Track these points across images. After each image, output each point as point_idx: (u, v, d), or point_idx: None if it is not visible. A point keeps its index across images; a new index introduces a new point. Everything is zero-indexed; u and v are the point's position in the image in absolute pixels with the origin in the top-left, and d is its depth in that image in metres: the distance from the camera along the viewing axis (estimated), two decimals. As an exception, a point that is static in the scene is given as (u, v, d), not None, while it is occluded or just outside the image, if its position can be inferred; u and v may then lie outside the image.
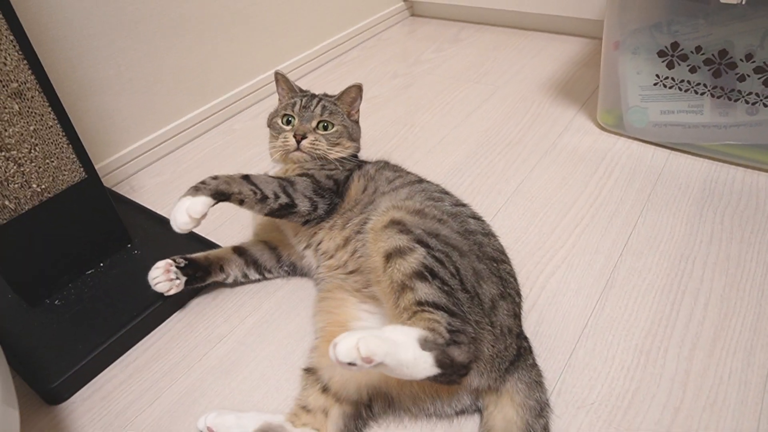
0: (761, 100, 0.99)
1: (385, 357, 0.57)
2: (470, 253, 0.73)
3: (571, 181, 1.10)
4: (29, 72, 0.82)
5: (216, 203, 0.81)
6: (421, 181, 0.92)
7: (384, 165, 0.98)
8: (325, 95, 1.03)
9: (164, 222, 1.08)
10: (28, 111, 0.84)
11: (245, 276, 0.96)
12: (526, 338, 0.75)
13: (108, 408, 0.80)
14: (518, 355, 0.71)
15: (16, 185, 0.85)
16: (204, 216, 0.80)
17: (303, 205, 0.86)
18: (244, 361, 0.84)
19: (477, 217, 0.84)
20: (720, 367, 0.74)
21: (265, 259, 0.97)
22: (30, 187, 0.87)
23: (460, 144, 1.26)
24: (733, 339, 0.77)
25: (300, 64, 1.64)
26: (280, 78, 1.04)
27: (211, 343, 0.87)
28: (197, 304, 0.94)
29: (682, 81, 1.06)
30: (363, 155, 1.19)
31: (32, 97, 0.84)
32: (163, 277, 0.88)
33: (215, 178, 0.83)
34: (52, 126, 0.87)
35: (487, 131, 1.29)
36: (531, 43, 1.67)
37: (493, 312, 0.69)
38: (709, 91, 1.04)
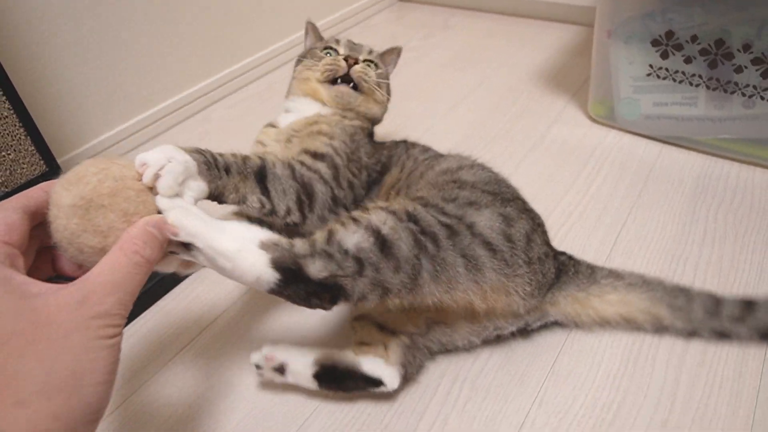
0: (758, 93, 0.95)
1: (196, 237, 0.50)
2: (494, 201, 0.70)
3: (559, 176, 1.05)
4: (-22, 59, 0.77)
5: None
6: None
7: (410, 145, 0.91)
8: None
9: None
10: (-21, 100, 0.79)
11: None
12: (561, 253, 0.78)
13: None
14: (559, 271, 0.74)
15: (-31, 179, 0.81)
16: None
17: (312, 223, 0.70)
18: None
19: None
20: (710, 376, 0.70)
21: None
22: (-16, 182, 0.82)
23: (446, 135, 1.21)
24: (725, 347, 0.73)
25: (284, 50, 1.58)
26: (310, 27, 0.99)
27: (192, 331, 0.83)
28: (178, 294, 0.90)
29: (677, 72, 1.02)
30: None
31: (-17, 85, 0.79)
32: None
33: (227, 170, 0.61)
34: (7, 116, 0.82)
35: (474, 122, 1.24)
36: (522, 30, 1.62)
37: (529, 247, 0.68)
38: (704, 82, 1.00)
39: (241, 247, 0.52)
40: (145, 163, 0.50)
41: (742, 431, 0.64)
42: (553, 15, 1.64)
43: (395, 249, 0.58)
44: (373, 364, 0.69)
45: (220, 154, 0.62)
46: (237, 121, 1.37)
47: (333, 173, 0.73)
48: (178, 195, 0.53)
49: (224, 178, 0.60)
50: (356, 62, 0.86)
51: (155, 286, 0.87)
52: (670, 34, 0.99)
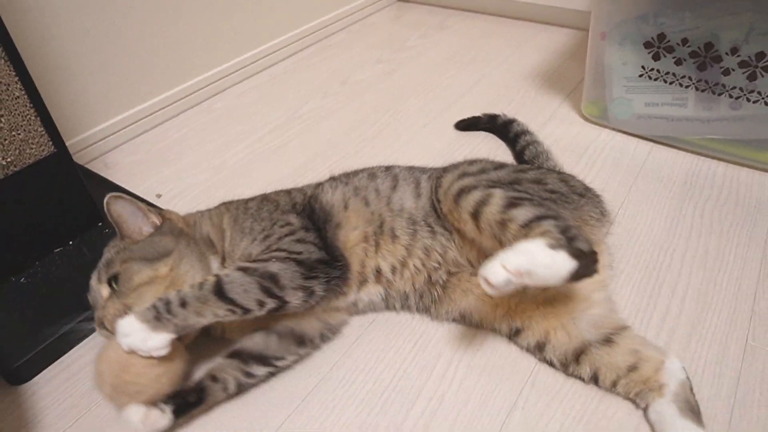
0: (745, 95, 0.99)
1: (529, 265, 0.62)
2: (516, 175, 0.82)
3: (553, 171, 1.09)
4: (-6, 39, 0.79)
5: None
6: (388, 167, 0.89)
7: (324, 182, 0.87)
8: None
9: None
10: (-7, 80, 0.80)
11: (249, 375, 0.73)
12: None
13: (73, 389, 0.78)
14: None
15: (-19, 156, 0.82)
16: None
17: (295, 299, 0.70)
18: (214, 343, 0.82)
19: None
20: (695, 360, 0.73)
21: (271, 348, 0.75)
22: (-5, 160, 0.84)
23: (443, 132, 1.24)
24: (709, 332, 0.77)
25: (284, 45, 1.61)
26: None
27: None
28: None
29: (668, 73, 1.05)
30: (342, 144, 1.18)
31: (-3, 65, 0.80)
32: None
33: (183, 303, 0.65)
34: (18, 96, 0.84)
35: (470, 119, 1.27)
36: (517, 32, 1.65)
37: (570, 186, 0.82)
38: (693, 84, 1.04)
39: (552, 256, 0.63)
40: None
41: (724, 410, 0.68)
42: (548, 18, 1.68)
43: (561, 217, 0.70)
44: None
45: (177, 293, 0.67)
46: (240, 111, 1.39)
47: (282, 251, 0.73)
48: None
49: (182, 312, 0.65)
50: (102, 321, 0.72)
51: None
52: (661, 36, 1.03)
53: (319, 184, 0.87)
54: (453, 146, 1.19)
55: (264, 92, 1.47)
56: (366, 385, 0.74)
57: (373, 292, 0.81)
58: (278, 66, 1.58)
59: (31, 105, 0.85)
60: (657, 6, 1.04)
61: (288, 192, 0.87)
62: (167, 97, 1.36)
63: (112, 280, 0.71)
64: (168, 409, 0.67)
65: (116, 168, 1.22)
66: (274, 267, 0.70)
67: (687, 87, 1.05)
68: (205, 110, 1.41)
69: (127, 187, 1.09)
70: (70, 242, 0.97)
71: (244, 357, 0.74)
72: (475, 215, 0.72)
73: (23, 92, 0.84)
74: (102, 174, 1.16)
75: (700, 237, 0.91)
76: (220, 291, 0.67)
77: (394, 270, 0.80)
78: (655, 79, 1.08)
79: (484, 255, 0.75)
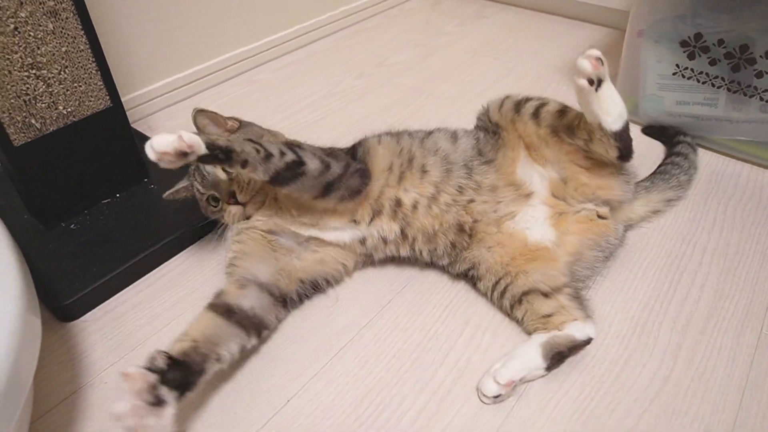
0: (776, 99, 1.02)
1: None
2: None
3: (582, 160, 1.12)
4: (67, -8, 0.83)
5: (208, 156, 0.68)
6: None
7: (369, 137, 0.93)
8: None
9: (181, 161, 1.10)
10: (61, 31, 0.84)
11: (243, 348, 0.73)
12: None
13: (119, 329, 0.82)
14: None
15: (44, 105, 0.87)
16: (188, 153, 0.66)
17: (312, 164, 0.75)
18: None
19: None
20: (711, 343, 0.77)
21: (265, 307, 0.76)
22: (56, 109, 0.88)
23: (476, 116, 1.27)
24: (725, 319, 0.80)
25: (323, 24, 1.64)
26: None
27: (221, 277, 0.89)
28: (209, 241, 0.96)
29: (701, 73, 1.08)
30: (377, 122, 1.20)
31: (67, 18, 0.84)
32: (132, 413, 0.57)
33: (215, 135, 0.79)
34: (83, 50, 0.88)
35: (503, 106, 1.31)
36: (553, 27, 1.68)
37: None
38: (726, 85, 1.06)
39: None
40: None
41: (735, 390, 0.71)
42: (584, 15, 1.71)
43: None
44: (576, 329, 0.74)
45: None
46: (278, 84, 1.43)
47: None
48: None
49: (213, 136, 0.74)
50: (233, 195, 0.82)
51: (188, 233, 0.94)
52: (698, 36, 1.06)
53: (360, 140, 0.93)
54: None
55: (302, 68, 1.50)
56: (397, 344, 0.79)
57: (386, 228, 0.83)
58: (317, 44, 1.62)
59: (94, 59, 0.90)
60: (695, 7, 1.06)
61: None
62: (211, 65, 1.40)
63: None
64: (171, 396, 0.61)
65: (158, 131, 1.26)
66: (298, 144, 0.80)
67: (719, 87, 1.08)
68: (245, 81, 1.45)
69: (170, 148, 1.14)
70: (117, 195, 1.02)
71: (245, 325, 0.73)
72: (536, 115, 0.84)
73: (87, 46, 0.88)
74: (146, 134, 1.21)
75: (722, 231, 0.95)
76: (248, 139, 0.75)
77: (416, 205, 0.82)
78: (688, 78, 1.10)
79: (535, 152, 0.86)
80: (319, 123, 1.28)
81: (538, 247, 0.81)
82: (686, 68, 1.10)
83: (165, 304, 0.86)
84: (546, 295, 0.77)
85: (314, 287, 0.84)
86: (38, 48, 0.83)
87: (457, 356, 0.77)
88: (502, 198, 0.83)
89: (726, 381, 0.72)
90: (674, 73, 1.12)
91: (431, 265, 0.89)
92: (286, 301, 0.80)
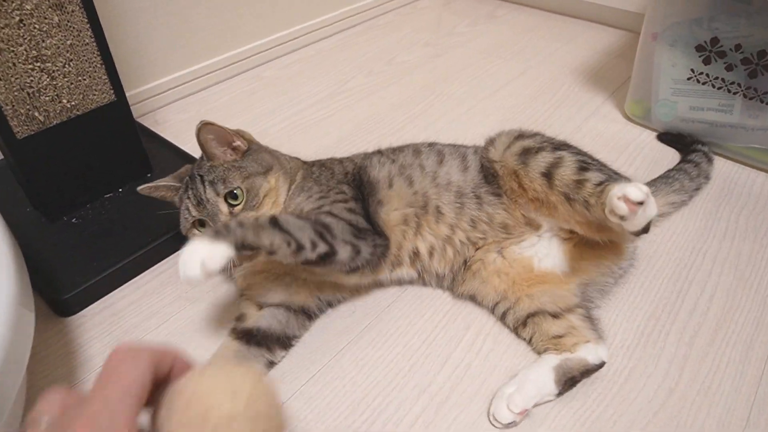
0: (793, 106, 0.99)
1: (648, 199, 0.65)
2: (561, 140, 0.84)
3: (591, 165, 1.10)
4: (73, -15, 0.83)
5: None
6: (431, 144, 0.91)
7: (372, 154, 0.89)
8: (199, 161, 0.82)
9: (186, 157, 1.09)
10: (67, 24, 0.84)
11: (271, 364, 0.76)
12: None
13: (117, 324, 0.82)
14: None
15: (47, 98, 0.86)
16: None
17: (344, 252, 0.71)
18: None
19: None
20: (718, 356, 0.75)
21: (285, 323, 0.77)
22: (60, 102, 0.88)
23: (486, 117, 1.26)
24: (735, 332, 0.78)
25: (333, 22, 1.63)
26: (149, 191, 0.83)
27: (221, 277, 0.89)
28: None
29: (717, 78, 1.06)
30: (385, 120, 1.19)
31: (72, 11, 0.84)
32: None
33: (241, 224, 0.65)
34: (88, 43, 0.88)
35: (513, 107, 1.29)
36: (567, 29, 1.66)
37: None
38: (742, 91, 1.04)
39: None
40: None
41: (743, 406, 0.69)
42: (598, 17, 1.68)
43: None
44: (589, 352, 0.72)
45: (234, 219, 0.72)
46: (286, 81, 1.42)
47: (329, 208, 0.76)
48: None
49: (240, 230, 0.64)
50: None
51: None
52: (715, 41, 1.03)
53: (367, 156, 0.89)
54: (495, 131, 1.20)
55: (310, 65, 1.49)
56: (396, 348, 0.77)
57: (405, 273, 0.83)
58: (326, 41, 1.61)
59: (99, 53, 0.89)
60: (712, 10, 1.04)
61: (340, 161, 0.89)
62: (219, 60, 1.40)
63: (228, 196, 0.76)
64: None
65: (165, 125, 1.26)
66: (326, 219, 0.73)
67: (735, 93, 1.05)
68: (254, 77, 1.44)
69: (176, 143, 1.13)
70: (120, 189, 1.01)
71: (267, 343, 0.75)
72: (548, 175, 0.75)
73: (93, 40, 0.88)
74: (152, 129, 1.20)
75: (733, 240, 0.92)
76: (276, 223, 0.68)
77: (432, 252, 0.81)
78: (703, 83, 1.08)
79: (539, 207, 0.79)
80: (326, 121, 1.27)
81: (546, 273, 0.79)
82: (701, 73, 1.07)
83: (164, 300, 0.85)
84: (555, 315, 0.75)
85: (330, 304, 0.83)
86: (43, 41, 0.82)
87: (456, 362, 0.75)
88: (514, 232, 0.81)
89: (733, 396, 0.70)
90: (689, 78, 1.09)
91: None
92: (307, 313, 0.79)
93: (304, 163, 0.89)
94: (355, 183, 0.83)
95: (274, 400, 0.40)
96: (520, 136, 0.83)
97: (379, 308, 0.83)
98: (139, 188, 0.82)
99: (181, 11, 1.27)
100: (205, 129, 0.76)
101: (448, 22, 1.73)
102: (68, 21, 0.84)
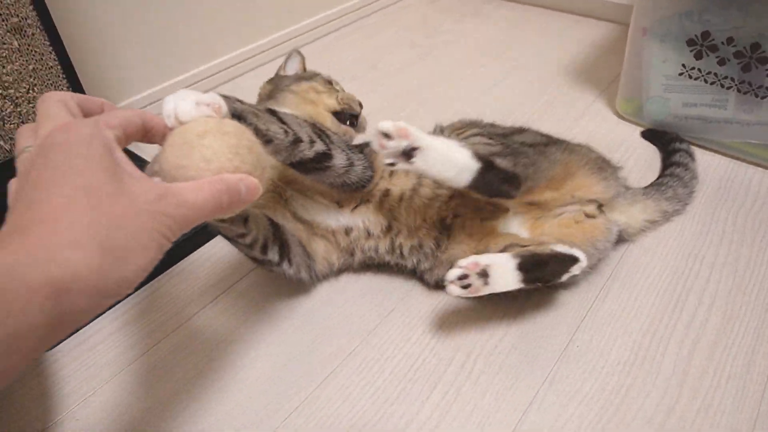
0: (789, 100, 0.96)
1: (417, 137, 0.65)
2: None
3: (583, 167, 1.07)
4: (30, 7, 0.79)
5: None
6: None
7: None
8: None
9: (164, 176, 1.06)
10: (27, 48, 0.81)
11: (264, 250, 0.75)
12: None
13: (93, 359, 0.79)
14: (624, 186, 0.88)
15: (12, 125, 0.83)
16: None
17: (339, 159, 0.72)
18: (237, 321, 0.82)
19: None
20: (719, 370, 0.72)
21: (293, 245, 0.79)
22: (27, 129, 0.85)
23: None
24: (735, 343, 0.75)
25: (316, 26, 1.59)
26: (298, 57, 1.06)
27: (202, 303, 0.86)
28: (190, 263, 0.93)
29: (709, 73, 1.02)
30: (371, 123, 1.16)
31: (33, 34, 0.81)
32: None
33: (240, 101, 0.66)
34: (52, 66, 0.84)
35: (502, 110, 1.25)
36: (555, 23, 1.62)
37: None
38: (736, 85, 1.00)
39: (450, 146, 0.68)
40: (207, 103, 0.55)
41: (746, 424, 0.66)
42: (586, 10, 1.64)
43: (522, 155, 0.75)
44: (561, 247, 0.72)
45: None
46: (267, 91, 1.38)
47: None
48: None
49: (238, 103, 0.65)
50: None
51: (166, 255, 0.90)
52: (706, 34, 0.99)
53: None
54: (481, 137, 1.17)
55: (293, 72, 1.46)
56: (383, 374, 0.74)
57: (373, 220, 0.81)
58: (308, 47, 1.57)
59: (64, 76, 0.86)
60: (703, 3, 1.00)
61: None
62: (196, 73, 1.36)
63: None
64: None
65: (143, 144, 1.23)
66: (328, 131, 0.77)
67: (728, 88, 1.01)
68: (234, 87, 1.41)
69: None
70: (97, 213, 0.98)
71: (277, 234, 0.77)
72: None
73: (56, 62, 0.85)
74: (129, 147, 1.17)
75: (731, 244, 0.89)
76: (274, 113, 0.69)
77: (401, 197, 0.80)
78: (696, 79, 1.04)
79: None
80: (310, 131, 1.23)
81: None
82: (693, 68, 1.04)
83: (143, 331, 0.82)
84: (526, 245, 0.74)
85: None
86: (3, 67, 0.79)
87: (445, 387, 0.72)
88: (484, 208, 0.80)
89: (735, 414, 0.67)
90: (680, 74, 1.05)
91: (414, 274, 0.85)
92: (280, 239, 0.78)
93: None
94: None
95: (242, 128, 0.53)
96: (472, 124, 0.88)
97: (366, 331, 0.80)
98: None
99: (155, 25, 1.24)
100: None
101: (434, 20, 1.69)
102: (29, 45, 0.81)
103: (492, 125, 0.92)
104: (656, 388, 0.70)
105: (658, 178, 0.98)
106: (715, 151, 1.08)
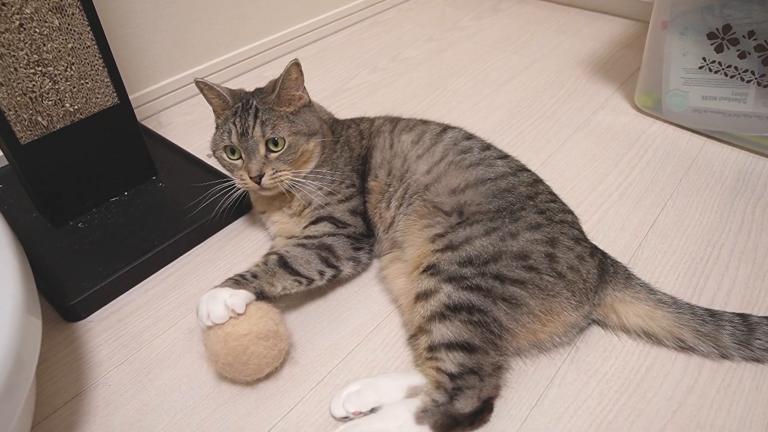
0: (809, 93, 0.97)
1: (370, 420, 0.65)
2: (503, 225, 0.73)
3: (602, 158, 1.08)
4: (72, -13, 0.82)
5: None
6: (444, 129, 0.89)
7: (393, 127, 0.91)
8: (259, 92, 0.85)
9: (190, 159, 1.08)
10: (67, 27, 0.83)
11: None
12: (599, 251, 0.78)
13: (124, 329, 0.81)
14: (601, 271, 0.75)
15: (50, 102, 0.85)
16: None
17: (347, 269, 0.82)
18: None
19: (504, 156, 0.86)
20: (738, 352, 0.73)
21: None
22: (63, 106, 0.87)
23: (492, 112, 1.24)
24: (754, 327, 0.76)
25: (335, 19, 1.62)
26: (203, 87, 0.84)
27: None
28: (217, 241, 0.95)
29: (729, 66, 1.03)
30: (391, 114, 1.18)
31: (73, 13, 0.83)
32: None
33: (255, 276, 0.74)
34: (89, 46, 0.87)
35: (520, 102, 1.27)
36: (572, 20, 1.63)
37: (554, 262, 0.71)
38: (756, 79, 1.01)
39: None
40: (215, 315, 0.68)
41: (764, 404, 0.67)
42: (604, 7, 1.65)
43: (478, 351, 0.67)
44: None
45: (247, 270, 0.76)
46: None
47: (333, 224, 0.83)
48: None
49: (255, 281, 0.74)
50: (261, 175, 0.80)
51: (195, 232, 0.93)
52: (727, 27, 1.01)
53: (379, 133, 0.92)
54: (501, 127, 1.19)
55: (314, 64, 1.48)
56: (408, 349, 0.76)
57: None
58: (329, 39, 1.60)
59: (100, 56, 0.88)
60: (724, -2, 1.01)
61: (360, 134, 0.93)
62: (222, 60, 1.39)
63: (271, 142, 0.81)
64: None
65: (170, 127, 1.26)
66: (328, 240, 0.80)
67: (749, 82, 1.03)
68: (257, 77, 1.43)
69: (180, 145, 1.12)
70: (125, 193, 1.01)
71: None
72: (418, 298, 0.72)
73: (94, 42, 0.87)
74: (156, 131, 1.20)
75: (750, 233, 0.90)
76: (285, 264, 0.76)
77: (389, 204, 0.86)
78: (716, 72, 1.06)
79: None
80: (332, 119, 1.25)
81: None
82: (713, 61, 1.05)
83: (171, 304, 0.85)
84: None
85: None
86: (44, 45, 0.81)
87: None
88: None
89: (754, 394, 0.69)
90: (701, 67, 1.07)
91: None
92: None
93: (333, 132, 0.92)
94: (362, 163, 0.90)
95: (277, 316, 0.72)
96: (450, 245, 0.75)
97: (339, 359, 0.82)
98: (196, 78, 0.85)
99: (183, 12, 1.26)
100: (298, 67, 0.81)
101: (452, 16, 1.71)
102: (69, 24, 0.83)
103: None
104: (675, 367, 0.72)
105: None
106: (734, 145, 1.09)
